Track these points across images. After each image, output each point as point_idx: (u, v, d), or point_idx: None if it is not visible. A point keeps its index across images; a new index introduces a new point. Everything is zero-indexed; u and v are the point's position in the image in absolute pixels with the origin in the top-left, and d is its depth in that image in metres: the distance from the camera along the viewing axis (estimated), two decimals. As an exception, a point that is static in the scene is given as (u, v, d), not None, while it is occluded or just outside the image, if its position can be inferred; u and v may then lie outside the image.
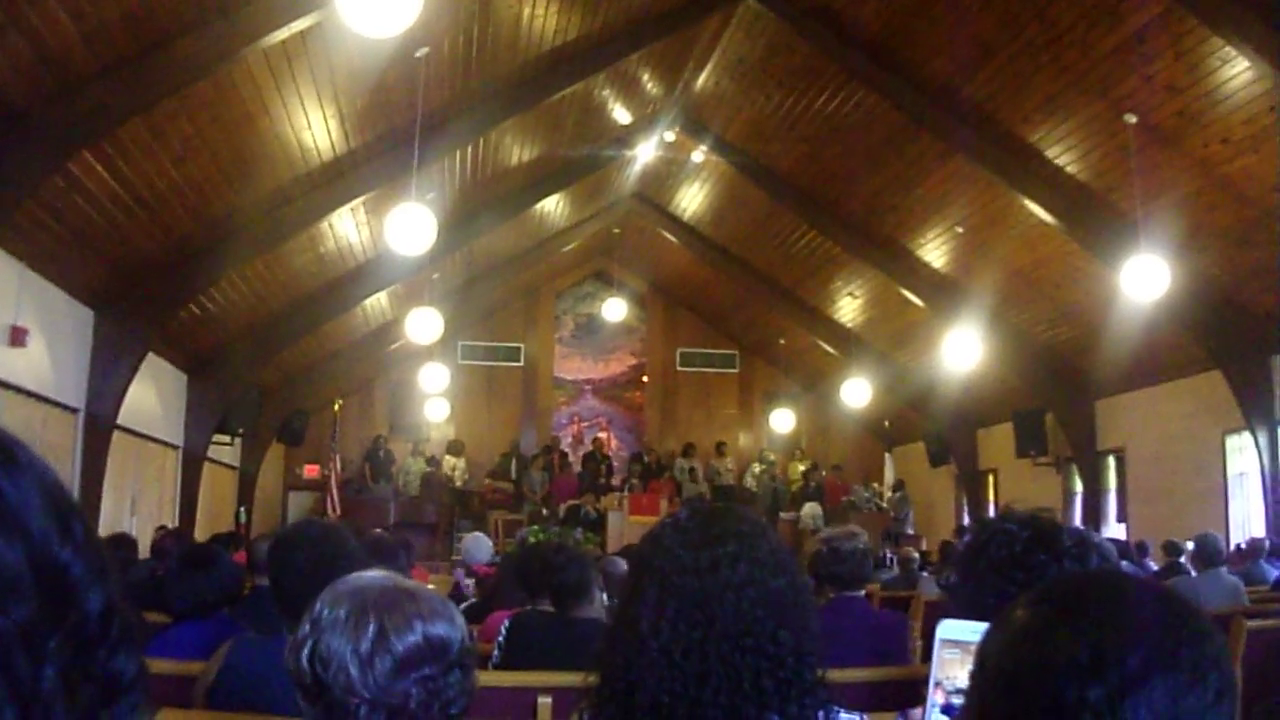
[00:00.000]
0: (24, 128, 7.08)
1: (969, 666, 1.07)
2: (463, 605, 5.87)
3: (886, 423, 18.00)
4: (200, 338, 12.10)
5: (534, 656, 3.90)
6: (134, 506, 11.21)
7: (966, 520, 16.59)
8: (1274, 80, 7.90)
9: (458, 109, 10.48)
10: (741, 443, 19.78)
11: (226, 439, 13.57)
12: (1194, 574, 7.68)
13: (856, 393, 15.82)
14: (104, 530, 8.86)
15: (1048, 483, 14.72)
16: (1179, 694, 0.89)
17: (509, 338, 19.55)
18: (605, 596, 4.70)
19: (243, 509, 14.68)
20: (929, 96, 10.60)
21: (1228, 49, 7.96)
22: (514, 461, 18.39)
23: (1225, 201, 9.57)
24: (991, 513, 14.50)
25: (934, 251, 13.35)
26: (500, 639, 4.10)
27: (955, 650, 1.71)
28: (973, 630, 1.65)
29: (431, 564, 13.40)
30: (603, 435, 19.44)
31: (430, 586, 1.87)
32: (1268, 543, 9.15)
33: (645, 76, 12.51)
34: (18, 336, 8.40)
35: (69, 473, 9.45)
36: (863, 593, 4.62)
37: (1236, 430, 11.32)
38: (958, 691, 1.70)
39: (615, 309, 17.76)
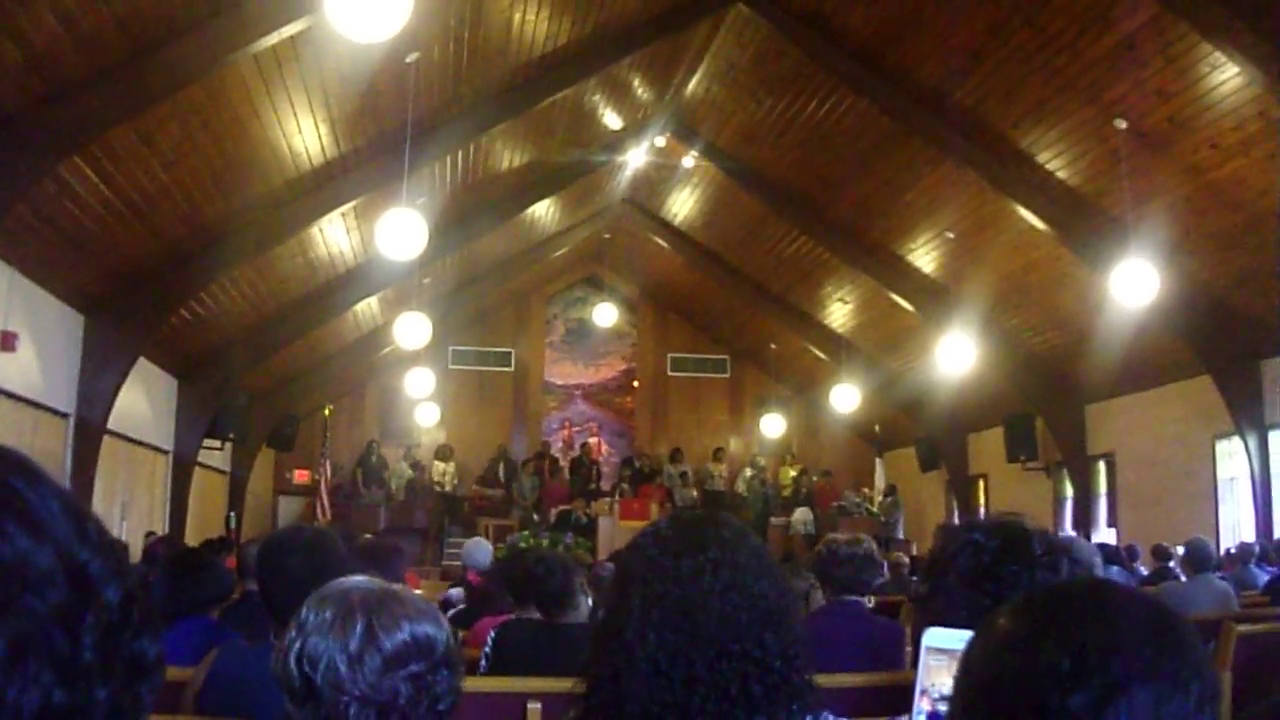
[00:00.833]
0: (14, 132, 7.05)
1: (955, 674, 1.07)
2: (450, 612, 5.86)
3: (877, 428, 17.99)
4: (191, 342, 12.06)
5: (522, 663, 3.90)
6: (124, 512, 11.18)
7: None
8: (1264, 85, 7.93)
9: (448, 114, 10.48)
10: (732, 448, 19.73)
11: (217, 444, 13.54)
12: (1184, 579, 7.67)
13: (847, 398, 15.82)
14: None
15: (1038, 488, 14.74)
16: (1161, 701, 0.90)
17: (500, 343, 19.51)
18: (590, 602, 4.69)
19: (233, 514, 14.62)
20: (919, 102, 10.59)
21: (1217, 55, 7.99)
22: (503, 466, 18.34)
23: (1215, 206, 9.59)
24: (982, 516, 14.47)
25: (924, 257, 13.37)
26: (487, 648, 4.10)
27: (941, 658, 1.71)
28: (958, 638, 1.65)
29: (421, 569, 13.38)
30: (592, 440, 19.39)
31: (418, 592, 1.88)
32: (1257, 547, 9.16)
33: (636, 82, 12.52)
34: (8, 341, 8.37)
35: (59, 478, 9.39)
36: (865, 599, 4.60)
37: (1226, 435, 11.34)
38: (943, 699, 1.69)
39: (606, 314, 17.74)
